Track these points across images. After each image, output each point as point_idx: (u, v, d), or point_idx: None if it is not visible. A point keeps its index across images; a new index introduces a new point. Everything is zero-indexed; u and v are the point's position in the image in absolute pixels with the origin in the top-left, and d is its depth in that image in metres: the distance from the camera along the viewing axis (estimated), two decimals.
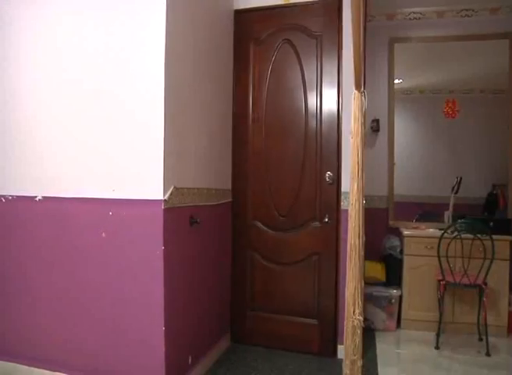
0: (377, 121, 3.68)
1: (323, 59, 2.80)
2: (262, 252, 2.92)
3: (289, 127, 2.87)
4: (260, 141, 2.94)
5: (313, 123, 2.83)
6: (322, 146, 2.81)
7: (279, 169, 2.88)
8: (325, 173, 2.78)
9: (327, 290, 2.80)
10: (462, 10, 3.61)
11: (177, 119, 2.23)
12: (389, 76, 3.75)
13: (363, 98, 2.11)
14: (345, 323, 2.10)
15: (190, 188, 2.36)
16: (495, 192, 3.50)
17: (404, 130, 3.77)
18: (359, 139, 2.07)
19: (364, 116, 2.20)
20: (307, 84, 2.84)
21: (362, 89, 2.12)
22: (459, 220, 3.02)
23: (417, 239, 3.31)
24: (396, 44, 3.75)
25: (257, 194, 2.95)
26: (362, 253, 2.12)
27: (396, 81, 3.79)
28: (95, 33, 2.21)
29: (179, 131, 2.27)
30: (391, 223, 3.66)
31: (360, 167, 2.07)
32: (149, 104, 2.10)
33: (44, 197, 2.30)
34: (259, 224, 2.93)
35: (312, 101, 2.82)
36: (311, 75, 2.82)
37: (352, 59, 2.04)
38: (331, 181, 2.77)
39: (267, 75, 2.90)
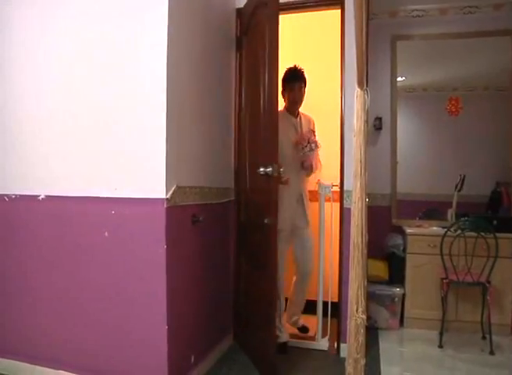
0: (380, 119, 3.68)
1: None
2: None
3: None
4: None
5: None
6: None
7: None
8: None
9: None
10: (465, 7, 3.59)
11: (179, 119, 2.23)
12: (392, 73, 3.74)
13: (365, 96, 2.11)
14: (348, 321, 2.10)
15: (192, 187, 2.36)
16: (499, 190, 3.49)
17: (407, 128, 3.76)
18: (362, 137, 2.07)
19: (367, 114, 2.20)
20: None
21: (365, 87, 2.12)
22: (462, 218, 3.02)
23: (421, 237, 3.31)
24: (398, 42, 3.73)
25: None
26: (365, 252, 2.12)
27: (399, 79, 3.78)
28: (97, 34, 2.22)
29: (181, 130, 2.28)
30: (394, 221, 3.66)
31: (362, 165, 2.07)
32: (151, 103, 2.10)
33: (47, 196, 2.31)
34: None
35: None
36: None
37: (354, 57, 2.04)
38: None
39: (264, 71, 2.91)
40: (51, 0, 2.32)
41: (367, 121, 2.22)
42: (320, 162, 2.93)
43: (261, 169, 2.32)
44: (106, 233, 2.18)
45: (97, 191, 2.20)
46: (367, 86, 2.39)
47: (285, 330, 2.90)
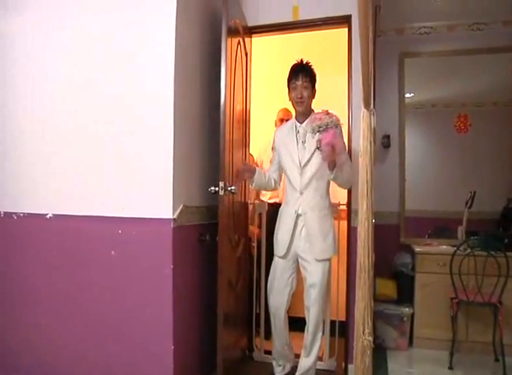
0: (388, 137, 3.70)
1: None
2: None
3: None
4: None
5: None
6: None
7: None
8: None
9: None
10: (473, 24, 3.62)
11: (185, 140, 2.29)
12: (400, 90, 3.78)
13: (372, 116, 2.14)
14: (354, 342, 2.10)
15: (198, 207, 2.41)
16: (510, 206, 3.47)
17: (416, 145, 3.78)
18: (368, 158, 2.09)
19: (374, 134, 2.23)
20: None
21: (371, 107, 2.15)
22: (472, 237, 3.00)
23: (430, 256, 3.30)
24: (406, 59, 3.77)
25: None
26: (372, 272, 2.13)
27: (407, 95, 3.81)
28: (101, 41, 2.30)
29: (188, 150, 2.33)
30: (402, 239, 3.65)
31: (369, 186, 2.10)
32: (159, 123, 2.16)
33: (54, 214, 2.35)
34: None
35: None
36: None
37: (360, 78, 2.08)
38: None
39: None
40: (52, 1, 2.38)
41: (374, 140, 2.25)
42: (344, 143, 2.48)
43: (212, 188, 2.35)
44: (113, 253, 2.22)
45: (105, 210, 2.24)
46: (374, 104, 2.42)
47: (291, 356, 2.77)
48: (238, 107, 2.71)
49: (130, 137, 2.22)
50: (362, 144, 2.10)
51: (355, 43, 2.69)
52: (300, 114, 2.54)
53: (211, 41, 2.59)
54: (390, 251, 3.54)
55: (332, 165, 2.30)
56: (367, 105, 2.12)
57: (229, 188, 2.37)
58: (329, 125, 2.28)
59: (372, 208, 2.13)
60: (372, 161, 2.11)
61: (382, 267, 3.27)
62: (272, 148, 2.69)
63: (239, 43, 2.70)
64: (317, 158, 2.42)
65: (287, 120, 3.91)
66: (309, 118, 2.49)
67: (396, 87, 3.78)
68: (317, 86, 2.53)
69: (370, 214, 2.09)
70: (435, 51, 3.70)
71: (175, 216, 2.12)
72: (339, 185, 2.49)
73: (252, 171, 2.53)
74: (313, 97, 2.53)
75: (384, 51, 3.61)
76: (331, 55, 3.46)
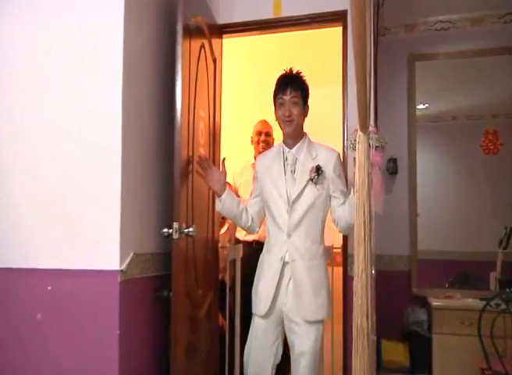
0: (394, 161, 3.82)
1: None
2: None
3: None
4: None
5: None
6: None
7: None
8: None
9: None
10: (507, 15, 3.68)
11: (137, 169, 2.38)
12: (410, 101, 3.92)
13: (370, 140, 2.25)
14: None
15: (154, 254, 2.47)
16: None
17: (430, 170, 3.91)
18: (365, 193, 2.18)
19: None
20: None
21: (369, 130, 2.26)
22: (508, 289, 3.04)
23: (451, 312, 3.37)
24: (417, 63, 3.93)
25: None
26: (373, 336, 2.20)
27: (420, 107, 3.95)
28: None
29: (140, 182, 2.41)
30: (415, 290, 3.74)
31: (367, 228, 2.18)
32: (102, 150, 2.24)
33: None
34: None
35: None
36: None
37: (354, 96, 2.20)
38: None
39: None
40: None
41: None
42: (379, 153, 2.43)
43: (164, 230, 2.42)
44: (39, 316, 2.23)
45: (29, 260, 2.26)
46: (376, 121, 2.54)
47: None
48: (201, 124, 2.82)
49: (64, 167, 2.28)
50: (357, 175, 2.19)
51: (352, 45, 2.82)
52: (288, 137, 2.59)
53: (169, 44, 2.70)
54: (400, 305, 3.63)
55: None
56: (363, 127, 2.21)
57: (186, 230, 2.44)
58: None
59: (372, 256, 2.21)
60: (370, 197, 2.20)
61: (390, 326, 3.34)
62: (254, 179, 2.76)
63: (203, 46, 2.82)
64: (310, 193, 2.50)
65: (266, 134, 4.06)
66: (301, 142, 2.58)
67: (405, 98, 3.93)
68: (310, 102, 2.62)
69: (368, 263, 2.17)
70: (456, 52, 3.81)
71: (122, 267, 2.18)
72: (344, 226, 2.54)
73: (221, 176, 2.60)
74: (305, 115, 2.60)
75: (389, 54, 3.76)
76: (322, 61, 3.60)
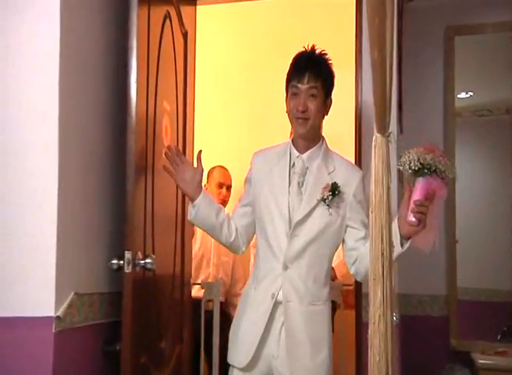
0: None
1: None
2: None
3: None
4: None
5: None
6: None
7: None
8: None
9: None
10: None
11: (79, 183, 2.43)
12: (447, 88, 3.95)
13: (390, 145, 2.29)
14: None
15: (103, 293, 2.50)
16: None
17: (475, 181, 3.94)
18: (384, 214, 2.22)
19: (400, 171, 2.35)
20: None
21: (389, 130, 2.30)
22: None
23: (506, 374, 3.38)
24: (457, 37, 3.95)
25: None
26: None
27: (462, 95, 4.00)
28: None
29: (83, 200, 2.45)
30: (454, 342, 3.74)
31: (386, 260, 2.22)
32: (32, 159, 2.28)
33: None
34: None
35: None
36: None
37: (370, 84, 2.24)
38: None
39: None
40: None
41: (401, 180, 2.39)
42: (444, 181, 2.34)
43: (113, 261, 2.46)
44: None
45: None
46: (401, 118, 2.56)
47: None
48: (166, 120, 2.88)
49: None
50: (373, 190, 2.23)
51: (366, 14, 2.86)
52: (300, 138, 2.59)
53: (121, 14, 2.70)
54: (434, 363, 3.63)
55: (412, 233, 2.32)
56: (381, 126, 2.26)
57: (143, 262, 2.47)
58: (433, 169, 2.23)
59: (393, 296, 2.24)
60: (390, 218, 2.24)
61: None
62: (246, 181, 2.73)
63: (168, 16, 2.85)
64: (321, 216, 2.50)
65: (228, 188, 4.13)
66: (315, 148, 2.58)
67: (441, 84, 3.96)
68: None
69: (388, 306, 2.19)
70: (510, 23, 3.81)
71: (59, 313, 2.19)
72: (365, 273, 2.48)
73: (195, 174, 2.55)
74: (326, 113, 2.60)
75: (420, 26, 3.81)
76: (328, 34, 3.62)
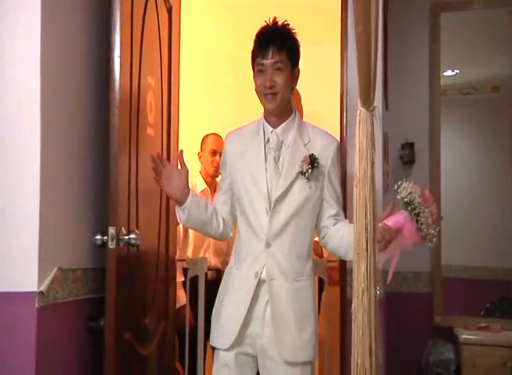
0: (410, 146, 3.87)
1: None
2: None
3: None
4: None
5: None
6: None
7: None
8: None
9: None
10: None
11: (61, 156, 2.39)
12: (432, 66, 3.96)
13: (374, 118, 2.29)
14: None
15: (87, 269, 2.50)
16: None
17: (459, 159, 3.98)
18: (368, 188, 2.23)
19: (386, 143, 2.38)
20: None
21: (373, 105, 2.30)
22: None
23: (487, 349, 3.41)
24: (443, 14, 3.96)
25: None
26: None
27: (448, 73, 4.00)
28: None
29: (66, 174, 2.43)
30: (438, 318, 3.77)
31: (370, 235, 2.23)
32: (13, 130, 2.26)
33: None
34: None
35: None
36: None
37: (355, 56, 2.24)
38: None
39: None
40: None
41: (386, 155, 2.41)
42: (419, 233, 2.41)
43: (97, 237, 2.48)
44: None
45: None
46: (386, 94, 2.57)
47: None
48: (150, 95, 2.86)
49: None
50: (357, 165, 2.24)
51: None
52: (271, 114, 2.61)
53: None
54: (417, 339, 3.67)
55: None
56: (365, 101, 2.26)
57: (127, 237, 2.47)
58: (416, 213, 2.37)
59: (376, 272, 2.25)
60: (376, 194, 2.24)
61: (404, 367, 3.38)
62: (221, 165, 2.77)
63: None
64: (300, 190, 2.52)
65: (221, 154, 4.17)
66: (288, 120, 2.60)
67: (427, 61, 3.96)
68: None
69: (372, 281, 2.21)
70: None
71: (42, 288, 2.18)
72: (337, 251, 2.64)
73: (181, 177, 2.54)
74: (294, 83, 2.62)
75: (406, 2, 3.81)
76: (316, 9, 3.62)
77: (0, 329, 2.19)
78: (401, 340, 3.22)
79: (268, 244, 2.51)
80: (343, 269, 2.97)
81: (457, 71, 4.05)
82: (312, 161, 2.48)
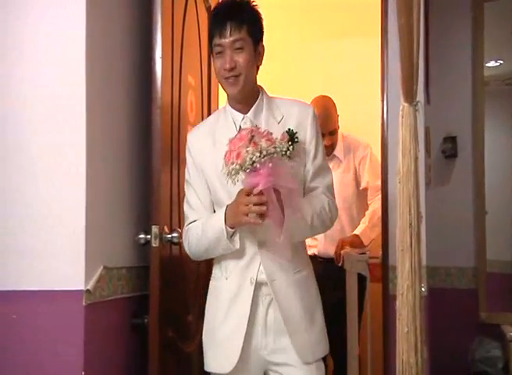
0: (452, 140, 3.82)
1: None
2: None
3: None
4: None
5: None
6: None
7: None
8: None
9: None
10: None
11: (105, 157, 2.45)
12: (475, 57, 3.88)
13: (417, 113, 2.30)
14: None
15: (131, 267, 2.56)
16: None
17: (504, 152, 3.93)
18: (411, 184, 2.23)
19: (428, 137, 2.37)
20: None
21: (417, 99, 2.30)
22: None
23: None
24: (486, 4, 3.89)
25: None
26: None
27: (491, 64, 3.94)
28: None
29: (110, 174, 2.49)
30: (484, 315, 3.73)
31: (414, 231, 2.23)
32: (60, 132, 2.31)
33: None
34: None
35: None
36: None
37: (397, 51, 2.25)
38: None
39: None
40: None
41: (428, 149, 2.40)
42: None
43: (140, 236, 2.50)
44: None
45: None
46: (428, 88, 2.55)
47: None
48: (191, 95, 2.91)
49: (16, 163, 2.34)
50: (401, 161, 2.24)
51: None
52: (237, 99, 2.32)
53: None
54: (463, 336, 3.64)
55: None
56: (408, 96, 2.26)
57: (170, 236, 2.51)
58: (267, 158, 1.99)
59: (421, 269, 2.26)
60: (419, 189, 2.25)
61: (449, 365, 3.36)
62: (186, 173, 2.43)
63: None
64: None
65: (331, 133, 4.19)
66: (257, 102, 2.33)
67: (469, 53, 3.89)
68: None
69: (417, 279, 2.21)
70: None
71: (89, 287, 2.23)
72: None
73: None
74: (258, 62, 2.34)
75: None
76: (356, 6, 3.60)
77: (49, 326, 2.26)
78: (445, 337, 3.20)
79: (261, 244, 2.24)
80: (385, 266, 2.97)
81: (501, 62, 3.99)
82: (291, 137, 2.13)
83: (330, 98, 3.81)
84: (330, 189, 2.38)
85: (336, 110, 3.81)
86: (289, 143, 2.09)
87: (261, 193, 2.02)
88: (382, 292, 3.00)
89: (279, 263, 2.23)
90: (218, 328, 2.30)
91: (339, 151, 3.93)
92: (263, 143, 1.99)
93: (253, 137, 2.01)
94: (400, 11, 2.07)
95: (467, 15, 3.93)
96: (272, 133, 2.06)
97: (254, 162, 1.95)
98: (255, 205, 2.05)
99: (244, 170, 1.97)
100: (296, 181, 2.21)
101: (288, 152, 2.06)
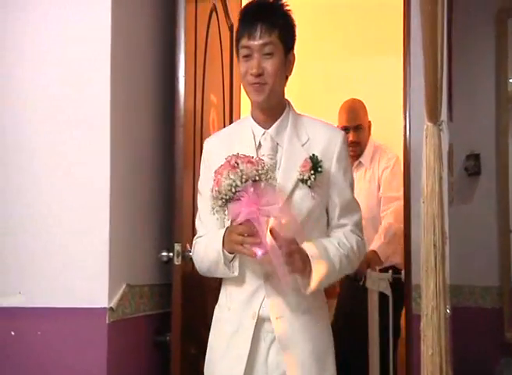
0: (476, 158, 3.81)
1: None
2: None
3: None
4: None
5: None
6: None
7: None
8: None
9: None
10: None
11: (128, 175, 2.48)
12: (499, 73, 3.87)
13: (441, 132, 2.30)
14: None
15: (154, 285, 2.58)
16: None
17: None
18: (435, 205, 2.24)
19: (451, 155, 2.37)
20: None
21: (439, 119, 2.31)
22: None
23: None
24: (510, 20, 3.86)
25: None
26: None
27: None
28: None
29: (133, 192, 2.52)
30: (509, 335, 3.70)
31: (439, 251, 2.23)
32: (85, 156, 2.36)
33: None
34: None
35: None
36: None
37: (422, 73, 2.26)
38: None
39: None
40: None
41: (451, 167, 2.39)
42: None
43: (163, 253, 2.53)
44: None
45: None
46: (451, 105, 2.53)
47: None
48: (213, 113, 2.95)
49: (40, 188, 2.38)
50: (425, 182, 2.24)
51: (415, 10, 2.86)
52: (260, 110, 2.12)
53: (168, 8, 2.75)
54: (487, 356, 3.61)
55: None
56: (432, 115, 2.27)
57: (192, 253, 2.52)
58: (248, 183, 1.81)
59: (446, 289, 2.26)
60: (444, 209, 2.25)
61: None
62: (201, 181, 2.24)
63: (214, 9, 2.92)
64: (302, 200, 2.04)
65: (356, 128, 4.21)
66: (282, 117, 2.13)
67: (493, 69, 3.89)
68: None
69: (442, 299, 2.21)
70: None
71: (112, 304, 2.26)
72: None
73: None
74: (289, 72, 2.15)
75: (470, 10, 3.74)
76: (376, 20, 3.62)
77: (73, 343, 2.28)
78: (470, 357, 3.16)
79: (267, 276, 2.03)
80: (408, 285, 2.96)
81: None
82: (315, 165, 2.00)
83: (360, 100, 3.86)
84: (359, 226, 2.17)
85: (364, 108, 3.79)
86: (311, 172, 1.98)
87: (249, 222, 1.83)
88: (405, 312, 2.99)
89: (287, 301, 2.02)
90: (218, 362, 2.13)
91: (365, 158, 3.92)
92: (243, 166, 1.81)
93: (237, 164, 1.82)
94: (424, 33, 2.08)
95: (490, 31, 3.92)
96: (262, 159, 1.90)
97: (234, 187, 1.78)
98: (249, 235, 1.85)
99: (227, 199, 1.79)
100: (294, 209, 1.99)
101: (309, 182, 1.97)
